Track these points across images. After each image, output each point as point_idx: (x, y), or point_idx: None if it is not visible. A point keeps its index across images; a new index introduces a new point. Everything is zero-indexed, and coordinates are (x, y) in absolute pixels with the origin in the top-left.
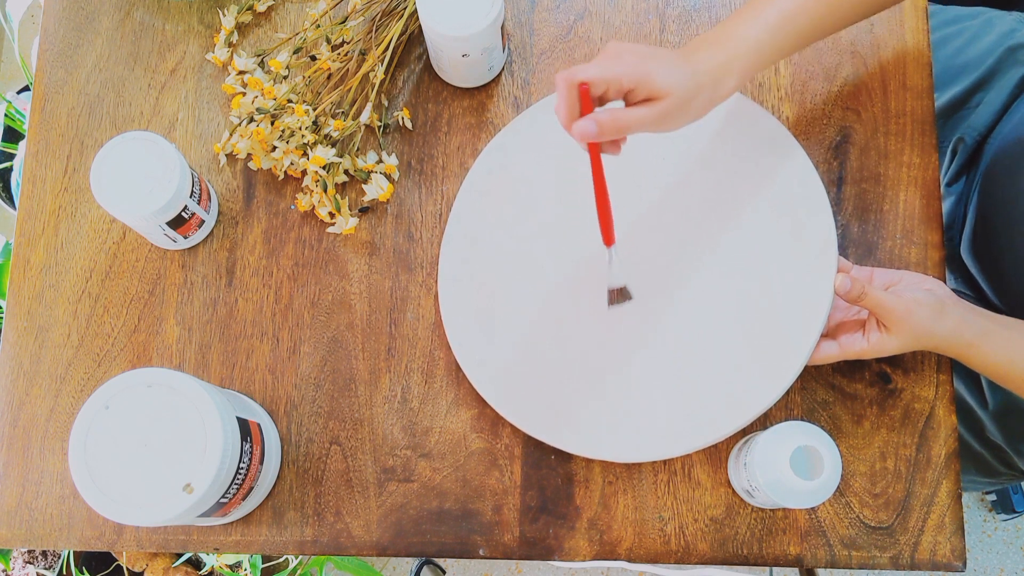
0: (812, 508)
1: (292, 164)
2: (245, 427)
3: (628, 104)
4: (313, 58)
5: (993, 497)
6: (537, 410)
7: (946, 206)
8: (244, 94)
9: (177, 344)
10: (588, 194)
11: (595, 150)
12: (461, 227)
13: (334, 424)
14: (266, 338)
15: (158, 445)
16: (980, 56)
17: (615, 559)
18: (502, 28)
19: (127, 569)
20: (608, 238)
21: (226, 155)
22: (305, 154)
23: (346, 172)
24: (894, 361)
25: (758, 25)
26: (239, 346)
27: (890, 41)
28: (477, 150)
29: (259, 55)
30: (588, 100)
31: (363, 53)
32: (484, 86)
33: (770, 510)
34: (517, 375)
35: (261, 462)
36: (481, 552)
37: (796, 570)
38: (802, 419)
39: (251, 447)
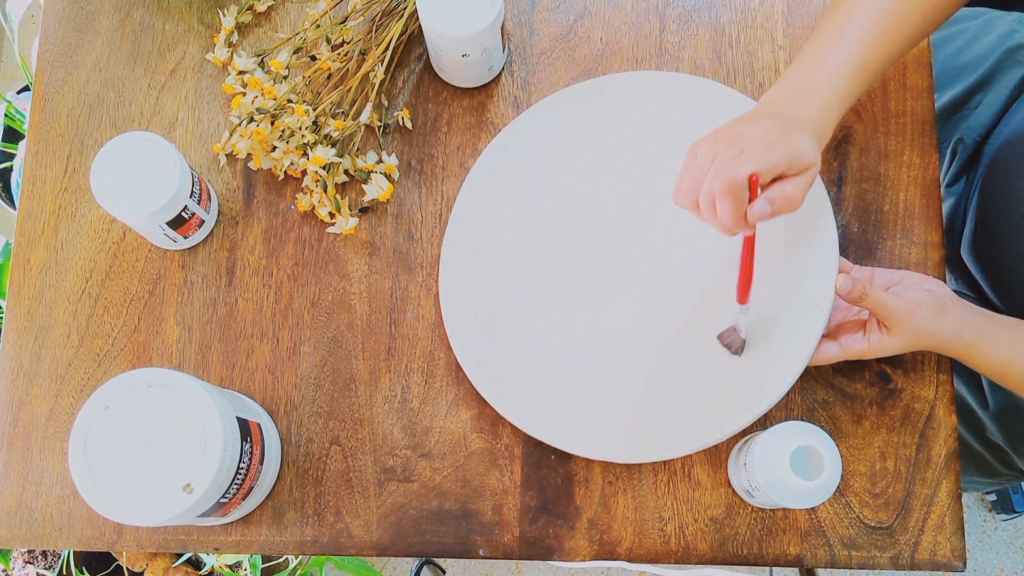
0: (812, 508)
1: (292, 164)
2: (245, 427)
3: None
4: (313, 58)
5: (993, 497)
6: (537, 410)
7: (946, 207)
8: (244, 94)
9: (177, 344)
10: (588, 194)
11: (749, 239)
12: (461, 227)
13: (334, 424)
14: (266, 338)
15: (158, 445)
16: (980, 57)
17: (615, 559)
18: (502, 28)
19: (127, 569)
20: (743, 297)
21: (226, 155)
22: (305, 154)
23: (346, 172)
24: (894, 361)
25: (838, 73)
26: (239, 346)
27: None
28: (477, 150)
29: (259, 55)
30: (755, 190)
31: (363, 53)
32: (484, 86)
33: (770, 510)
34: (517, 375)
35: (261, 462)
36: (481, 552)
37: (796, 570)
38: (802, 419)
39: (251, 447)
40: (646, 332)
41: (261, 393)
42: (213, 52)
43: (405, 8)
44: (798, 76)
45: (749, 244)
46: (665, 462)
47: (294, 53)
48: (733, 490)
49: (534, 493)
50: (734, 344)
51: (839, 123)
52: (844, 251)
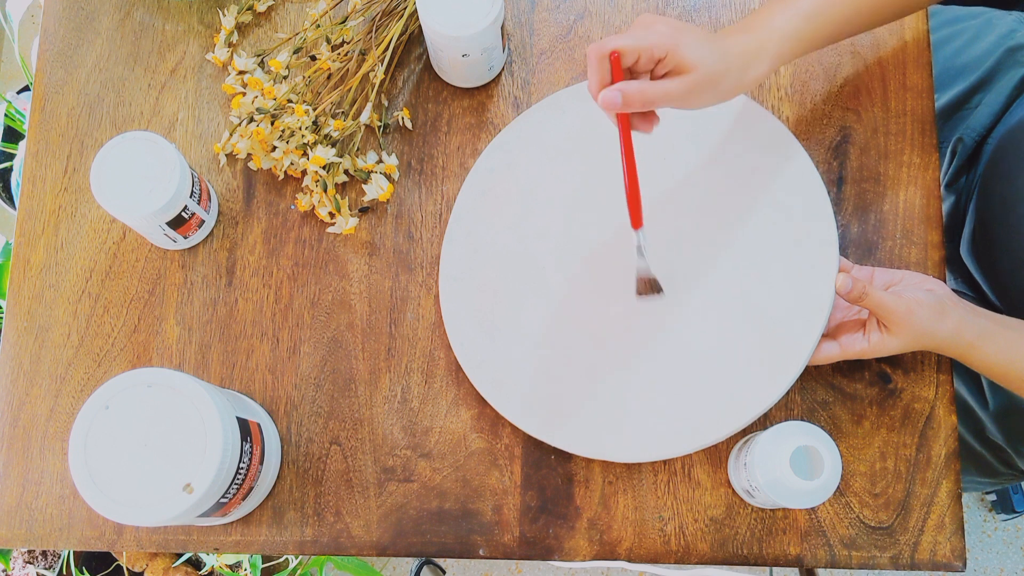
0: (812, 508)
1: (292, 164)
2: (245, 427)
3: (655, 79)
4: (313, 58)
5: (993, 497)
6: (537, 410)
7: (945, 207)
8: (244, 94)
9: (177, 344)
10: (588, 194)
11: (625, 126)
12: (462, 227)
13: (334, 424)
14: (266, 338)
15: (158, 445)
16: (980, 56)
17: (615, 559)
18: (502, 28)
19: (127, 569)
20: (636, 219)
21: (226, 155)
22: (305, 154)
23: (346, 172)
24: (894, 361)
25: (790, 13)
26: (239, 346)
27: (890, 41)
28: (477, 150)
29: (259, 55)
30: (619, 70)
31: (363, 53)
32: (484, 86)
33: (770, 510)
34: (517, 375)
35: (261, 462)
36: (481, 552)
37: (796, 570)
38: (802, 419)
39: (251, 447)
40: (646, 332)
41: (261, 393)
42: (213, 52)
43: (405, 8)
44: (752, 13)
45: (626, 149)
46: (665, 462)
47: (294, 53)
48: (733, 490)
49: (534, 493)
50: (645, 289)
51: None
52: (844, 251)
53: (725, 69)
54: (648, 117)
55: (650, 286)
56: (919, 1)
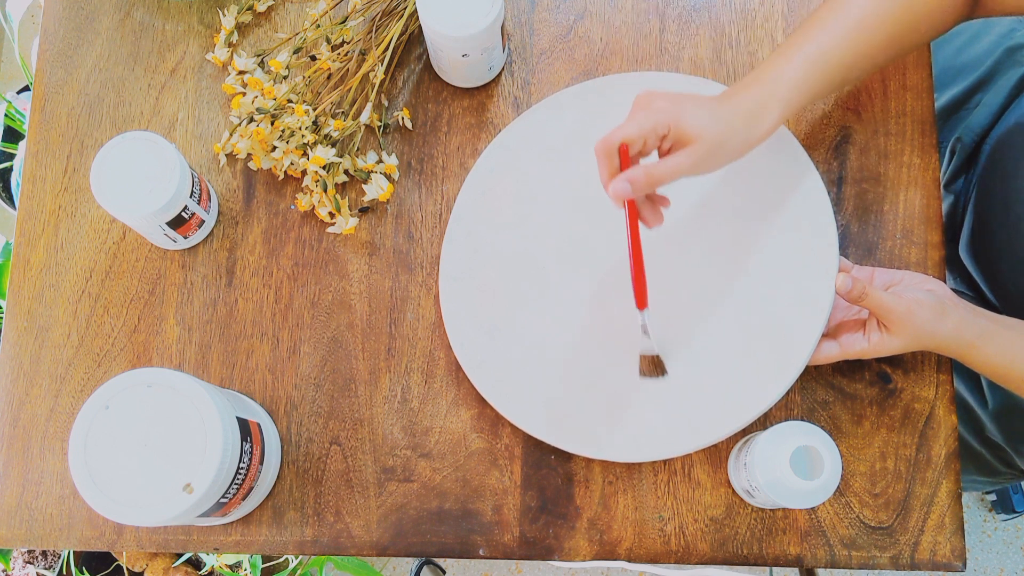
0: (812, 508)
1: (292, 164)
2: (245, 427)
3: (662, 155)
4: (313, 58)
5: (993, 497)
6: (537, 410)
7: (944, 206)
8: (244, 94)
9: (177, 344)
10: (588, 194)
11: (632, 212)
12: (462, 227)
13: (334, 424)
14: (266, 338)
15: (158, 445)
16: (979, 57)
17: (615, 559)
18: (502, 28)
19: (127, 569)
20: (641, 301)
21: (226, 155)
22: (305, 154)
23: (346, 172)
24: (894, 361)
25: (795, 62)
26: (239, 346)
27: None
28: (477, 150)
29: (259, 55)
30: (627, 159)
31: (363, 53)
32: (484, 86)
33: (770, 510)
34: (517, 375)
35: (261, 462)
36: (481, 552)
37: (796, 570)
38: (802, 419)
39: (251, 447)
40: None
41: (261, 393)
42: (213, 52)
43: (405, 8)
44: (758, 67)
45: (633, 236)
46: (665, 462)
47: (294, 53)
48: (733, 490)
49: (534, 493)
50: (649, 369)
51: (803, 110)
52: (844, 251)
53: (730, 131)
54: (655, 208)
55: (654, 366)
56: (915, 42)
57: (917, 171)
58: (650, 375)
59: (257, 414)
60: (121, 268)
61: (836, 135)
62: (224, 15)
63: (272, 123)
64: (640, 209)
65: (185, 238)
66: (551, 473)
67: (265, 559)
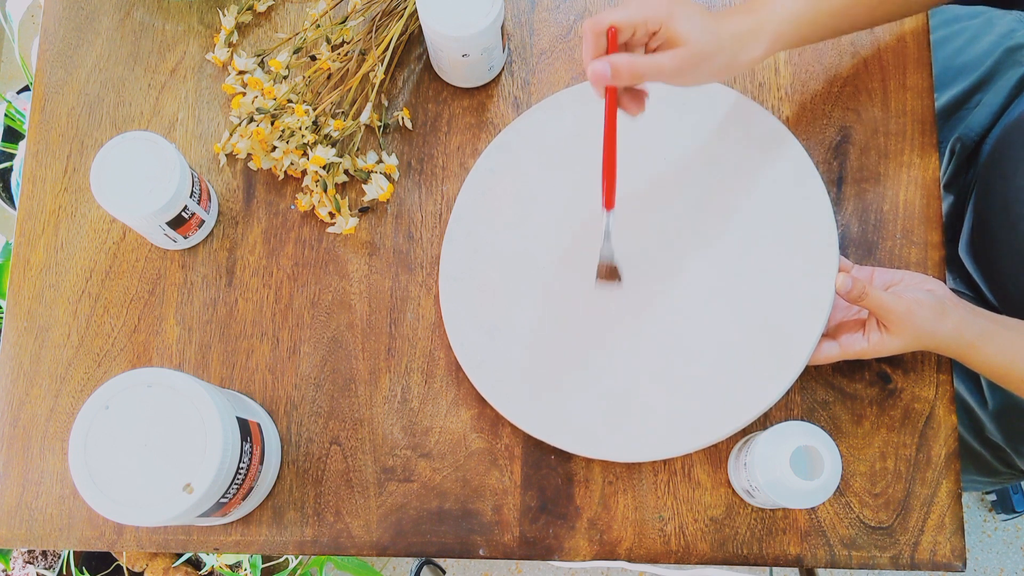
0: (812, 508)
1: (292, 164)
2: (245, 427)
3: (649, 53)
4: (313, 58)
5: (993, 497)
6: (537, 410)
7: (944, 206)
8: (244, 94)
9: (177, 344)
10: (588, 194)
11: (611, 101)
12: (462, 227)
13: (334, 424)
14: (266, 338)
15: (158, 445)
16: (980, 56)
17: (615, 559)
18: (502, 28)
19: (127, 569)
20: (609, 200)
21: (226, 155)
22: (305, 154)
23: (346, 172)
24: (894, 361)
25: None
26: (239, 346)
27: (890, 41)
28: (477, 150)
29: (259, 55)
30: (614, 45)
31: (363, 53)
32: (484, 86)
33: (770, 510)
34: (517, 375)
35: (261, 462)
36: (481, 552)
37: (796, 570)
38: (802, 419)
39: (251, 447)
40: (646, 332)
41: (261, 393)
42: (213, 52)
43: (405, 8)
44: None
45: (609, 128)
46: (665, 462)
47: (294, 53)
48: (733, 490)
49: (534, 493)
50: (606, 275)
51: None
52: (844, 251)
53: (718, 47)
54: (637, 98)
55: (610, 272)
56: (920, 2)
57: (917, 171)
58: (605, 280)
59: (257, 414)
60: (121, 268)
61: (836, 135)
62: (224, 15)
63: (272, 123)
64: (620, 97)
65: (185, 238)
66: (551, 473)
67: (265, 559)
